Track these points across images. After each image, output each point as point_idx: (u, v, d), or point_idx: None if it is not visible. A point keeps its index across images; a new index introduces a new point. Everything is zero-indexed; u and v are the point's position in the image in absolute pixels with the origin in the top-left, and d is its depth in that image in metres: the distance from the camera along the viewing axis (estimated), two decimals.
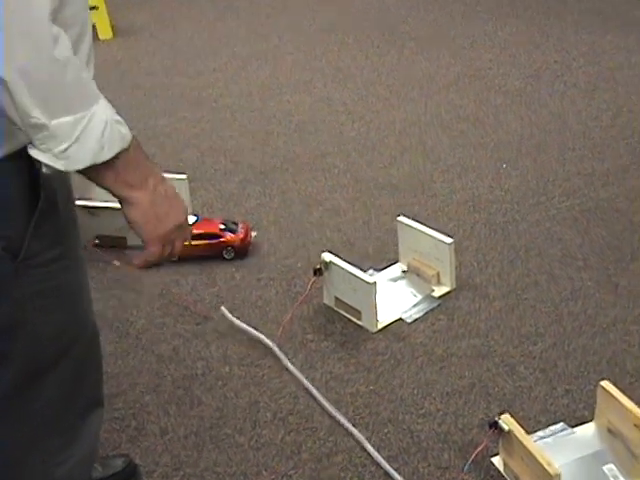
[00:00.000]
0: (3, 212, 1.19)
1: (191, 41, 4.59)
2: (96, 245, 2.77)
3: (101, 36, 4.61)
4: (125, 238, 2.77)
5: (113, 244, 2.78)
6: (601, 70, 3.94)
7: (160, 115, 3.73)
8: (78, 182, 1.30)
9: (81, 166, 1.11)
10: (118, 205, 2.75)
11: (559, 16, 4.62)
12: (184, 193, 2.90)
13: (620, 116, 3.50)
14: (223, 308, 2.45)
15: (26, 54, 1.04)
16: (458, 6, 4.87)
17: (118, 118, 1.15)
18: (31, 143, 1.11)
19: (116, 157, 1.14)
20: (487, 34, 4.44)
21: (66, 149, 1.09)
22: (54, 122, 1.07)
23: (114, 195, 1.19)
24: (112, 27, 4.63)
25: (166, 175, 2.89)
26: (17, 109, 1.06)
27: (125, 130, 1.15)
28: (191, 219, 2.88)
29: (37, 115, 1.06)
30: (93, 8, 4.54)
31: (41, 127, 1.07)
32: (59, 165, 1.10)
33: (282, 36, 4.57)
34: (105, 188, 1.17)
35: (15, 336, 1.29)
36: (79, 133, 1.09)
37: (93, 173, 1.14)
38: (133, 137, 1.17)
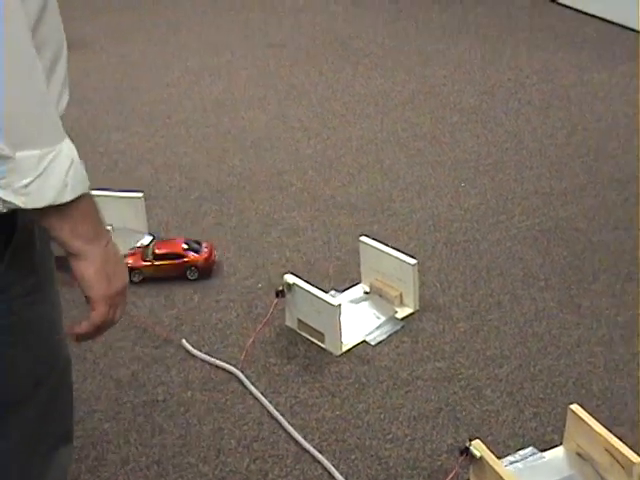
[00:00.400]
0: None
1: (143, 55, 4.51)
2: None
3: None
4: None
5: (69, 264, 2.69)
6: (554, 88, 3.96)
7: (112, 130, 3.65)
8: None
9: (42, 204, 1.04)
10: None
11: (511, 33, 4.65)
12: (140, 212, 2.83)
13: (575, 134, 3.53)
14: (184, 341, 2.39)
15: None
16: (410, 22, 4.87)
17: (81, 161, 1.09)
18: None
19: (76, 205, 1.07)
20: (440, 51, 4.45)
21: (28, 184, 1.02)
22: (19, 154, 1.01)
23: (67, 248, 1.12)
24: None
25: (122, 194, 2.83)
26: None
27: (86, 175, 1.09)
28: (147, 239, 2.82)
29: (1, 146, 1.00)
30: None
31: (5, 159, 1.01)
32: (19, 202, 1.03)
33: (235, 51, 4.52)
34: (59, 240, 1.10)
35: None
36: (44, 168, 1.02)
37: (51, 219, 1.08)
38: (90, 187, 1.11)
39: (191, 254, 2.66)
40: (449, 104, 3.84)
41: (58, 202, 1.05)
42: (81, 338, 1.22)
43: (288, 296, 2.40)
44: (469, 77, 4.13)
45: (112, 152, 3.46)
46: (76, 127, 3.65)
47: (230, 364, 2.30)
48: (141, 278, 2.66)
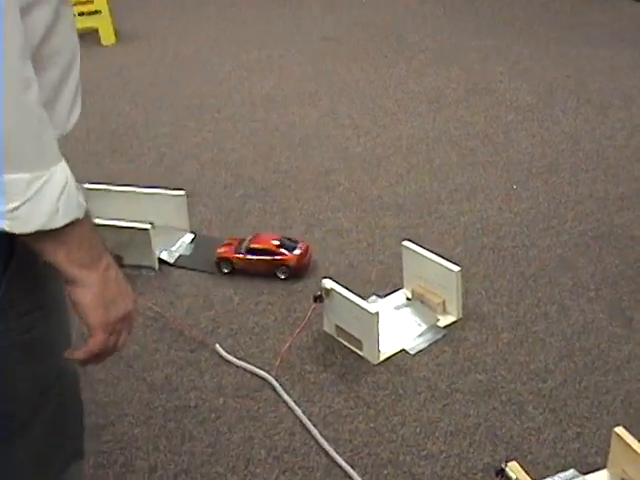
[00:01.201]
0: None
1: (196, 48, 4.49)
2: None
3: (104, 41, 4.50)
4: (121, 256, 2.67)
5: None
6: (616, 87, 3.83)
7: (162, 124, 3.63)
8: None
9: (30, 229, 0.99)
10: (115, 222, 2.67)
11: (575, 31, 4.51)
12: (182, 210, 2.80)
13: (635, 136, 3.39)
14: (217, 346, 2.34)
15: None
16: (471, 18, 4.76)
17: (77, 185, 1.04)
18: None
19: (70, 230, 1.02)
20: (499, 47, 4.33)
21: (16, 208, 0.97)
22: (7, 177, 0.96)
23: (62, 274, 1.07)
24: (115, 32, 4.53)
25: (164, 192, 2.81)
26: None
27: (82, 199, 1.04)
28: (189, 237, 2.79)
29: None
30: (96, 12, 4.45)
31: None
32: (5, 226, 0.98)
33: (289, 45, 4.47)
34: (54, 265, 1.06)
35: None
36: (33, 193, 0.97)
37: (44, 244, 1.03)
38: (88, 211, 1.06)
39: (283, 253, 2.62)
40: (505, 102, 3.73)
41: (48, 227, 1.00)
42: (82, 363, 1.17)
43: (326, 301, 2.34)
44: (527, 74, 4.01)
45: (160, 146, 3.43)
46: (127, 122, 3.65)
47: (264, 370, 2.25)
48: (230, 269, 2.64)
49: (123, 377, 2.27)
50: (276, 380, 2.22)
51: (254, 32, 4.68)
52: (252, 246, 2.63)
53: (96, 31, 4.50)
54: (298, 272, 2.62)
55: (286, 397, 2.17)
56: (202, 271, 2.67)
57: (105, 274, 1.10)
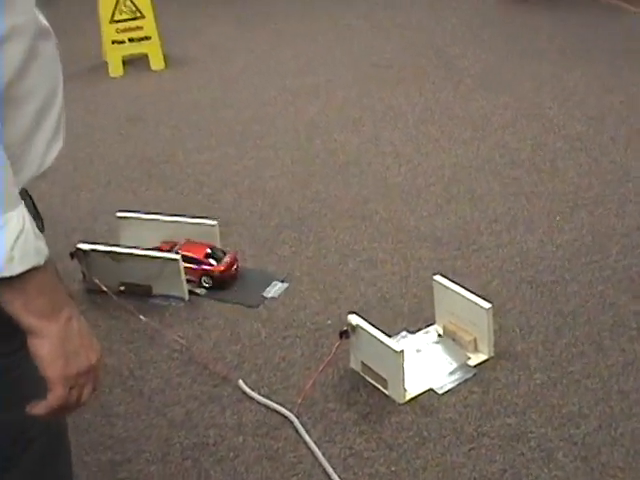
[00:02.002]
0: None
1: (242, 72, 4.47)
2: (121, 292, 2.66)
3: (153, 67, 4.52)
4: (150, 286, 2.65)
5: (138, 291, 2.66)
6: None
7: (202, 150, 3.62)
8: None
9: None
10: (144, 252, 2.65)
11: (630, 57, 4.37)
12: (214, 240, 2.77)
13: None
14: (240, 382, 2.30)
15: None
16: (522, 41, 4.66)
17: (37, 231, 1.00)
18: None
19: (28, 278, 0.99)
20: (553, 74, 4.22)
21: None
22: None
23: (21, 324, 1.03)
24: (164, 57, 4.54)
25: (196, 221, 2.79)
26: None
27: (43, 246, 1.01)
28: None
29: None
30: (146, 38, 4.47)
31: None
32: None
33: (335, 70, 4.43)
34: (11, 314, 1.02)
35: None
36: None
37: (0, 292, 1.00)
38: (50, 258, 1.02)
39: (209, 263, 2.66)
40: (553, 129, 3.63)
41: (2, 275, 0.97)
42: (43, 418, 1.12)
43: (352, 337, 2.28)
44: (580, 101, 3.90)
45: (198, 174, 3.41)
46: (167, 148, 3.64)
47: (286, 408, 2.20)
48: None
49: (143, 412, 2.24)
50: (298, 418, 2.16)
51: (302, 56, 4.65)
52: (181, 253, 2.66)
53: (146, 56, 4.52)
54: (222, 283, 2.67)
55: (307, 437, 2.11)
56: (232, 303, 2.63)
57: (67, 325, 1.06)
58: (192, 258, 2.66)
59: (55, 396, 1.07)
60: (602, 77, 4.13)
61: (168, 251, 2.69)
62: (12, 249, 0.96)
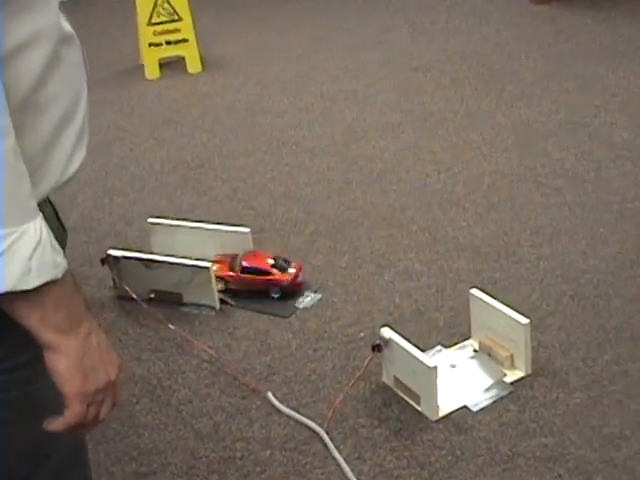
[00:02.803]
0: None
1: (280, 75, 4.43)
2: (151, 299, 2.62)
3: (190, 70, 4.49)
4: (181, 294, 2.61)
5: (169, 299, 2.62)
6: None
7: (237, 155, 3.57)
8: None
9: (0, 290, 0.92)
10: (174, 259, 2.61)
11: None
12: (247, 248, 2.72)
13: None
14: (269, 394, 2.24)
15: None
16: (568, 46, 4.56)
17: (55, 243, 0.97)
18: None
19: (46, 291, 0.95)
20: (597, 77, 4.12)
21: None
22: None
23: (38, 339, 0.99)
24: (202, 60, 4.51)
25: (229, 228, 2.75)
26: None
27: (61, 259, 0.97)
28: None
29: None
30: (183, 41, 4.44)
31: None
32: None
33: (375, 74, 4.36)
34: (28, 329, 0.98)
35: None
36: (2, 251, 0.91)
37: (16, 306, 0.95)
38: (68, 272, 0.98)
39: (277, 273, 2.60)
40: (598, 137, 3.53)
41: (19, 289, 0.93)
42: (62, 434, 1.08)
43: (385, 351, 2.21)
44: (626, 107, 3.79)
45: (233, 179, 3.37)
46: (202, 153, 3.61)
47: (316, 422, 2.14)
48: (224, 288, 2.62)
49: (170, 423, 2.19)
50: (327, 433, 2.10)
51: (340, 61, 4.59)
52: (245, 265, 2.60)
53: (183, 59, 4.49)
54: (291, 292, 2.61)
55: (336, 454, 2.05)
56: (262, 312, 2.58)
57: (85, 340, 1.02)
58: (257, 269, 2.60)
59: (72, 413, 1.03)
60: None
61: (230, 265, 2.63)
62: (29, 261, 0.92)
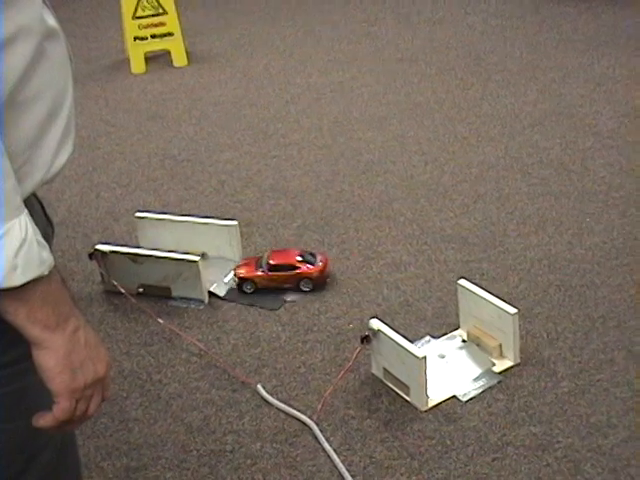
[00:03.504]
0: None
1: (266, 69, 4.42)
2: (139, 294, 2.62)
3: (176, 63, 4.48)
4: (169, 288, 2.61)
5: (157, 293, 2.62)
6: None
7: (224, 149, 3.57)
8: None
9: None
10: (162, 253, 2.60)
11: None
12: (235, 241, 2.72)
13: None
14: (259, 387, 2.25)
15: None
16: (552, 35, 4.57)
17: (41, 240, 0.97)
18: None
19: (32, 288, 0.95)
20: (582, 66, 4.14)
21: None
22: None
23: (25, 335, 0.99)
24: (187, 54, 4.50)
25: (216, 222, 2.74)
26: None
27: (47, 255, 0.97)
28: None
29: None
30: (168, 35, 4.43)
31: None
32: None
33: (361, 65, 4.36)
34: (16, 326, 0.98)
35: None
36: None
37: (2, 303, 0.96)
38: (55, 268, 0.98)
39: (305, 266, 2.60)
40: (583, 127, 3.55)
41: (5, 286, 0.93)
42: (50, 431, 1.08)
43: (374, 342, 2.22)
44: (610, 96, 3.81)
45: (220, 172, 3.37)
46: (190, 146, 3.60)
47: (306, 414, 2.14)
48: (253, 289, 2.62)
49: (160, 417, 2.19)
50: (317, 425, 2.11)
51: (327, 52, 4.59)
52: (273, 262, 2.60)
53: (168, 53, 4.48)
54: (320, 284, 2.63)
55: (326, 445, 2.05)
56: (251, 305, 2.58)
57: (73, 336, 1.02)
58: (286, 265, 2.60)
59: (61, 409, 1.04)
60: (635, 70, 4.03)
61: (257, 265, 2.63)
62: (15, 258, 0.92)
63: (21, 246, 0.93)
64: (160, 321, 2.49)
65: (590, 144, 3.40)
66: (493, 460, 1.98)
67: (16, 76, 0.98)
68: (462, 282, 2.35)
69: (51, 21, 1.05)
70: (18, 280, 0.94)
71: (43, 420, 1.06)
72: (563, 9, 4.95)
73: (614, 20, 4.70)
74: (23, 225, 0.94)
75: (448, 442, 2.05)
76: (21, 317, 0.97)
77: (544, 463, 1.96)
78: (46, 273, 0.97)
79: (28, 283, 0.95)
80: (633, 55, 4.23)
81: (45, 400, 1.18)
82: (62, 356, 1.01)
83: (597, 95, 3.83)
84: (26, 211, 0.96)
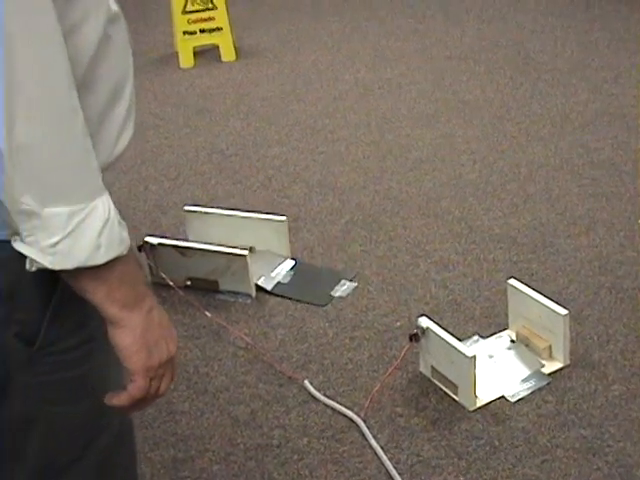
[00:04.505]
0: (16, 293, 1.04)
1: (314, 64, 4.42)
2: (187, 287, 2.63)
3: (224, 58, 4.49)
4: (217, 281, 2.62)
5: (205, 287, 2.63)
6: None
7: (272, 144, 3.57)
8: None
9: (71, 265, 0.94)
10: (212, 247, 2.62)
11: None
12: (283, 236, 2.73)
13: None
14: (306, 382, 2.24)
15: (32, 126, 0.89)
16: (603, 34, 4.52)
17: (121, 220, 0.98)
18: (16, 233, 0.94)
19: (111, 267, 0.97)
20: (633, 66, 4.08)
21: (56, 243, 0.92)
22: (47, 210, 0.91)
23: (102, 314, 1.01)
24: (236, 49, 4.51)
25: (265, 216, 2.74)
26: (5, 191, 0.91)
27: (126, 235, 0.98)
28: (289, 263, 2.71)
29: (27, 201, 0.91)
30: (217, 29, 4.45)
31: (30, 215, 0.92)
32: (46, 262, 0.93)
33: (409, 62, 4.34)
34: (94, 304, 1.00)
35: (29, 432, 1.13)
36: (73, 227, 0.93)
37: (83, 282, 0.97)
38: (131, 249, 1.00)
39: None
40: (635, 127, 3.49)
41: (89, 264, 0.95)
42: (122, 411, 1.09)
43: (422, 341, 2.21)
44: None
45: (268, 168, 3.37)
46: (238, 141, 3.61)
47: (353, 411, 2.14)
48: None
49: (207, 410, 2.20)
50: (364, 422, 2.11)
51: (375, 48, 4.57)
52: None
53: (217, 48, 4.49)
54: None
55: (373, 442, 2.05)
56: (298, 300, 2.58)
57: (148, 316, 1.04)
58: None
59: (137, 387, 1.05)
60: None
61: None
62: (98, 237, 0.94)
63: (104, 225, 0.94)
64: (207, 314, 2.50)
65: None
66: (542, 462, 1.96)
67: (86, 57, 1.00)
68: (512, 282, 2.33)
69: (114, 6, 1.07)
70: (101, 259, 0.95)
71: (117, 399, 1.07)
72: (615, 7, 4.88)
73: None
74: (106, 204, 0.96)
75: (496, 443, 2.03)
76: (100, 296, 0.99)
77: (595, 467, 1.94)
78: (125, 253, 0.98)
79: (109, 262, 0.96)
80: None
81: (107, 382, 1.20)
82: (139, 335, 1.02)
83: None
84: (107, 192, 0.97)
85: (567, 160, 3.28)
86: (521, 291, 2.30)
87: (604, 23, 4.68)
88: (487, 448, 2.02)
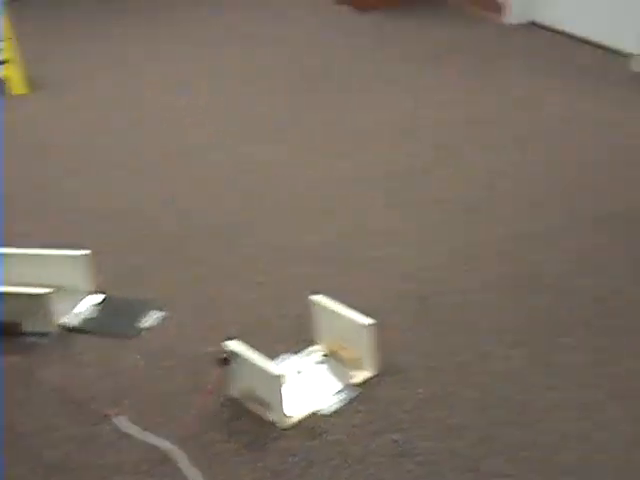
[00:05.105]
0: None
1: (113, 91, 4.37)
2: None
3: (15, 91, 4.35)
4: (20, 324, 2.53)
5: (8, 330, 2.53)
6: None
7: (69, 176, 3.50)
8: None
9: None
10: (9, 289, 2.51)
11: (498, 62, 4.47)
12: (86, 271, 2.67)
13: (554, 170, 3.35)
14: (118, 418, 2.21)
15: None
16: (378, 53, 4.71)
17: None
18: None
19: None
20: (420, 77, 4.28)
21: None
22: None
23: None
24: (28, 80, 4.37)
25: (67, 252, 2.64)
26: None
27: None
28: (97, 298, 2.67)
29: None
30: (5, 62, 4.30)
31: None
32: None
33: (200, 86, 4.38)
34: None
35: None
36: None
37: None
38: None
39: None
40: (422, 139, 3.66)
41: None
42: None
43: (232, 364, 2.22)
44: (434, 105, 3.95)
45: (66, 202, 3.29)
46: (34, 178, 3.51)
47: (167, 441, 2.12)
48: None
49: (20, 458, 2.12)
50: (180, 452, 2.09)
51: (171, 74, 4.58)
52: None
53: (7, 81, 4.35)
54: None
55: (189, 472, 2.04)
56: (106, 335, 2.54)
57: None
58: None
59: None
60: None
61: None
62: None
63: None
64: (11, 358, 2.42)
65: (430, 156, 3.52)
66: (356, 472, 2.02)
67: None
68: (314, 297, 2.38)
69: None
70: None
71: None
72: (392, 29, 5.10)
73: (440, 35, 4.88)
74: None
75: (312, 457, 2.07)
76: None
77: (406, 469, 2.01)
78: None
79: None
80: (461, 69, 4.39)
81: None
82: None
83: (425, 106, 3.97)
84: None
85: (363, 173, 3.39)
86: (325, 306, 2.35)
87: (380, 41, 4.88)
88: (303, 464, 2.05)
